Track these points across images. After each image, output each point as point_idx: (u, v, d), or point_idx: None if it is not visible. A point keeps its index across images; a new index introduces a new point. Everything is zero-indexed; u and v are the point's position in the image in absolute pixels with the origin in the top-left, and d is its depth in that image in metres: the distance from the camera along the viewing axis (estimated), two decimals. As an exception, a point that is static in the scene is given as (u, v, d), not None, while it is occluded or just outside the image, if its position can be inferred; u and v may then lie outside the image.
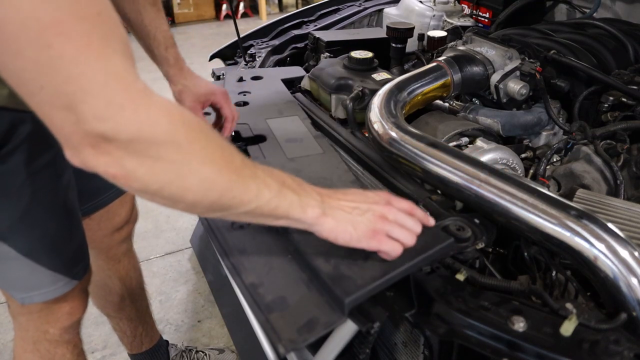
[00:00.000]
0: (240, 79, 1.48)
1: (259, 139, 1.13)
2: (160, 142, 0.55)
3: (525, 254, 0.87)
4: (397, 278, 0.71)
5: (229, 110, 1.14)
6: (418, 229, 0.76)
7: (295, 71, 1.58)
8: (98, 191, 1.21)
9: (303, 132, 1.16)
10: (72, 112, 0.51)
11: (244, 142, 1.15)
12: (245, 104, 1.31)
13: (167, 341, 1.66)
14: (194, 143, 0.59)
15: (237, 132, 1.17)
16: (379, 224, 0.73)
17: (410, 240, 0.74)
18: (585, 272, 0.73)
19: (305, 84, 1.46)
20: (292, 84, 1.52)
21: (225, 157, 0.63)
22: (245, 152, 1.08)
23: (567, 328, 0.64)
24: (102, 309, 1.48)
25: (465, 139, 1.14)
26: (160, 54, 1.09)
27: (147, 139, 0.55)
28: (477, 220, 0.85)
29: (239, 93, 1.38)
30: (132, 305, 1.48)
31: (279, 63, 1.77)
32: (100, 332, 1.84)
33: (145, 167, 0.56)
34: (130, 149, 0.54)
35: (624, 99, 1.19)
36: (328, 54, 1.63)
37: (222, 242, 0.80)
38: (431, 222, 0.79)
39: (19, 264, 0.95)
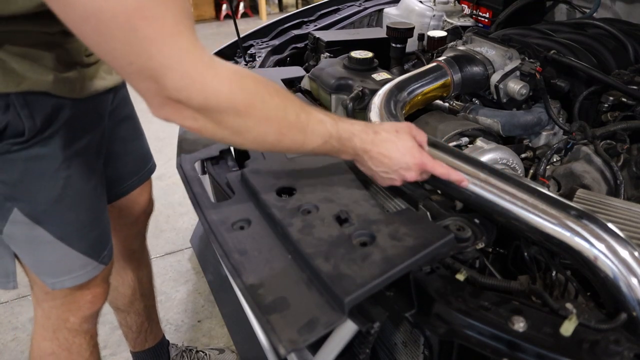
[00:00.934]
0: None
1: None
2: (222, 110, 0.68)
3: (525, 254, 0.87)
4: (397, 276, 0.71)
5: None
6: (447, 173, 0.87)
7: (295, 71, 1.58)
8: (121, 179, 1.25)
9: None
10: (156, 82, 0.63)
11: None
12: None
13: (168, 341, 1.67)
14: (251, 108, 0.70)
15: None
16: (417, 152, 0.86)
17: (445, 170, 0.86)
18: (585, 272, 0.73)
19: (305, 84, 1.46)
20: (292, 84, 1.52)
21: (279, 116, 0.74)
22: (245, 153, 1.07)
23: (567, 328, 0.64)
24: (112, 302, 1.49)
25: (465, 139, 1.14)
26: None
27: (213, 107, 0.67)
28: (477, 220, 0.85)
29: None
30: (141, 299, 1.49)
31: (279, 63, 1.77)
32: (100, 332, 1.84)
33: (212, 124, 0.70)
34: (200, 112, 0.68)
35: (624, 99, 1.19)
36: (328, 54, 1.63)
37: (222, 243, 0.80)
38: (465, 183, 0.87)
39: (52, 247, 0.98)
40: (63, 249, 0.99)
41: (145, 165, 1.32)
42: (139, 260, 1.46)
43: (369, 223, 0.80)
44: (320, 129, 0.78)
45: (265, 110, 0.72)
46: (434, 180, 0.89)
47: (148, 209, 1.41)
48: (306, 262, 0.74)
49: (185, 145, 1.16)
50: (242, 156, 1.08)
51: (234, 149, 1.21)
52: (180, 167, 1.07)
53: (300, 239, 0.77)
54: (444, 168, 0.84)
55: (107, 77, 1.01)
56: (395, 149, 0.83)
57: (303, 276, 0.73)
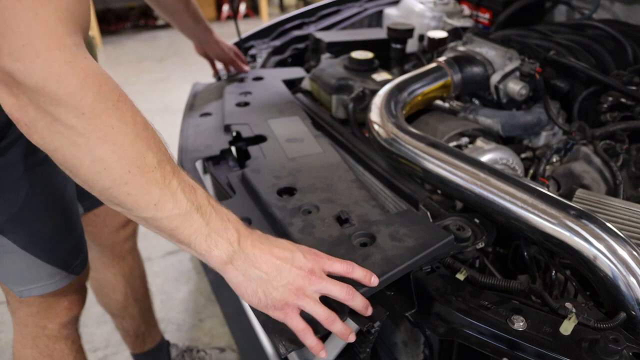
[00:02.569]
0: (241, 80, 1.49)
1: (259, 139, 1.14)
2: (62, 102, 0.53)
3: (525, 253, 0.87)
4: (396, 277, 0.72)
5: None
6: (350, 299, 0.67)
7: (296, 72, 1.59)
8: None
9: (303, 132, 1.16)
10: None
11: (245, 142, 1.15)
12: (246, 104, 1.32)
13: (168, 341, 1.67)
14: (99, 117, 0.55)
15: (237, 133, 1.18)
16: (292, 297, 0.65)
17: (324, 320, 0.67)
18: (584, 271, 0.73)
19: (306, 84, 1.47)
20: (292, 84, 1.53)
21: (135, 148, 0.57)
22: (246, 153, 1.08)
23: (567, 327, 0.65)
24: (106, 307, 1.49)
25: (465, 139, 1.14)
26: (200, 15, 1.46)
27: (50, 94, 0.52)
28: (477, 220, 0.85)
29: (240, 94, 1.39)
30: (135, 303, 1.48)
31: (280, 64, 1.77)
32: (102, 331, 1.85)
33: (44, 122, 0.54)
34: (34, 98, 0.53)
35: (623, 100, 1.19)
36: (329, 55, 1.63)
37: None
38: (373, 282, 0.68)
39: (17, 257, 0.96)
40: (28, 259, 0.96)
41: None
42: (130, 265, 1.45)
43: (370, 224, 0.80)
44: (187, 193, 0.62)
45: (120, 131, 0.56)
46: (434, 181, 0.90)
47: (130, 223, 1.38)
48: None
49: (186, 146, 1.16)
50: (244, 156, 1.09)
51: (236, 149, 1.21)
52: (181, 166, 1.07)
53: (301, 239, 0.77)
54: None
55: None
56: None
57: None
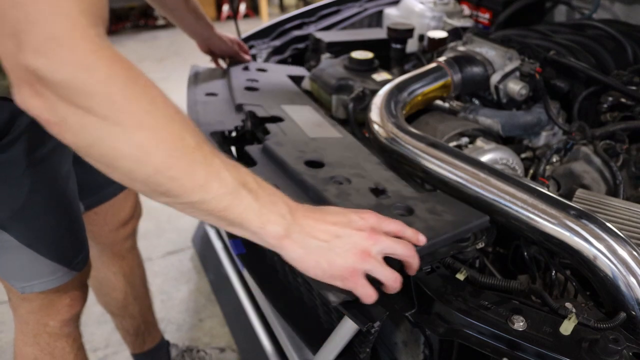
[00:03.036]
0: (246, 68, 1.47)
1: (276, 119, 1.10)
2: (92, 93, 0.51)
3: (525, 253, 0.87)
4: (441, 244, 0.72)
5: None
6: (413, 256, 0.67)
7: (299, 70, 1.58)
8: (102, 184, 1.23)
9: (319, 119, 1.13)
10: (15, 40, 0.49)
11: (261, 121, 1.10)
12: (255, 89, 1.29)
13: (168, 341, 1.67)
14: (132, 103, 0.53)
15: (251, 112, 1.12)
16: (358, 262, 0.62)
17: (392, 282, 0.65)
18: (584, 271, 0.73)
19: (306, 84, 1.47)
20: (295, 81, 1.52)
21: (173, 131, 0.56)
22: (265, 129, 1.02)
23: (567, 327, 0.65)
24: (106, 307, 1.49)
25: (465, 139, 1.14)
26: (201, 11, 1.48)
27: (80, 86, 0.50)
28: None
29: (247, 80, 1.36)
30: (135, 303, 1.48)
31: (280, 63, 1.77)
32: (102, 330, 1.85)
33: (76, 117, 0.52)
34: (62, 93, 0.51)
35: (623, 100, 1.19)
36: (329, 55, 1.63)
37: None
38: (421, 240, 0.69)
39: (19, 253, 0.96)
40: (30, 255, 0.96)
41: None
42: (130, 264, 1.45)
43: (405, 198, 0.79)
44: (231, 171, 0.60)
45: (154, 115, 0.55)
46: (434, 181, 0.90)
47: (136, 212, 1.39)
48: None
49: (197, 119, 1.11)
50: (245, 158, 1.07)
51: (236, 149, 1.18)
52: None
53: (338, 204, 0.74)
54: None
55: None
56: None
57: None
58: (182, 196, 0.58)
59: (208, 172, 0.58)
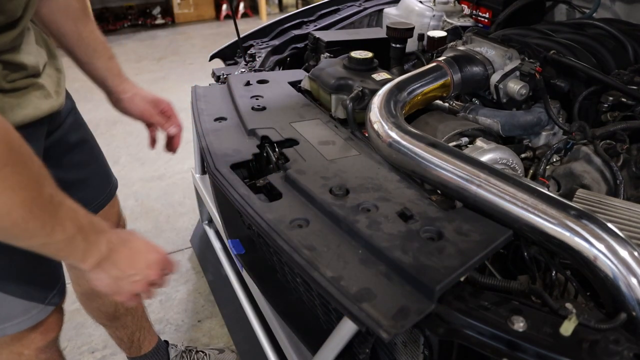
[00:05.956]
0: (247, 83, 1.47)
1: (291, 142, 1.12)
2: None
3: (525, 254, 0.87)
4: (473, 267, 0.73)
5: (177, 119, 1.14)
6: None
7: (298, 74, 1.57)
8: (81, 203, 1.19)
9: (332, 135, 1.15)
10: None
11: (277, 145, 1.12)
12: (263, 108, 1.30)
13: (166, 342, 1.66)
14: (3, 167, 0.59)
15: (266, 137, 1.15)
16: (139, 288, 0.82)
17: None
18: (585, 272, 0.73)
19: (305, 84, 1.46)
20: (294, 86, 1.52)
21: (35, 189, 0.63)
22: (283, 155, 1.06)
23: (567, 328, 0.64)
24: (97, 319, 1.45)
25: (465, 139, 1.14)
26: (104, 64, 1.08)
27: None
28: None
29: (252, 97, 1.37)
30: (126, 312, 1.45)
31: (279, 63, 1.77)
32: (100, 332, 1.84)
33: None
34: None
35: (623, 99, 1.19)
36: (328, 54, 1.63)
37: (287, 240, 0.81)
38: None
39: None
40: None
41: (105, 188, 1.23)
42: None
43: (432, 220, 0.82)
44: (73, 220, 0.70)
45: (20, 175, 0.61)
46: (434, 181, 0.90)
47: (118, 227, 1.33)
48: (382, 255, 0.75)
49: (214, 150, 1.11)
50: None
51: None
52: (216, 170, 1.04)
53: (371, 235, 0.78)
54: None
55: (40, 104, 0.88)
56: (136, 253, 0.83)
57: (380, 269, 0.74)
58: (25, 240, 0.66)
59: (55, 223, 0.66)
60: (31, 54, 0.88)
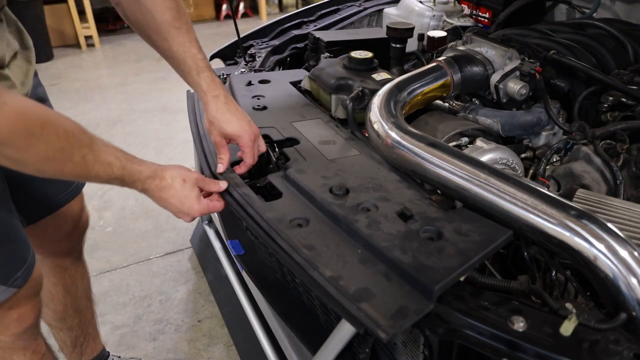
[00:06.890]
0: (249, 83, 1.47)
1: (292, 141, 1.12)
2: (3, 143, 0.69)
3: (525, 254, 0.87)
4: (472, 267, 0.73)
5: (251, 155, 1.02)
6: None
7: (300, 74, 1.57)
8: (43, 198, 1.19)
9: (333, 135, 1.15)
10: None
11: (277, 145, 1.12)
12: (264, 108, 1.30)
13: (108, 352, 1.63)
14: (31, 147, 0.72)
15: (266, 136, 1.15)
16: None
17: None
18: (584, 272, 0.73)
19: (305, 84, 1.46)
20: (295, 85, 1.52)
21: (63, 157, 0.76)
22: (283, 155, 1.06)
23: (567, 328, 0.64)
24: (44, 317, 1.41)
25: (465, 139, 1.14)
26: (193, 79, 1.04)
27: None
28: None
29: (253, 97, 1.37)
30: (75, 315, 1.44)
31: (279, 63, 1.77)
32: (101, 331, 1.84)
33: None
34: None
35: (623, 99, 1.19)
36: (328, 54, 1.63)
37: (287, 239, 0.81)
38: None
39: None
40: None
41: (71, 183, 1.25)
42: (73, 276, 1.41)
43: (432, 220, 0.82)
44: (104, 171, 0.81)
45: (48, 152, 0.74)
46: (434, 181, 0.90)
47: (81, 225, 1.35)
48: (382, 255, 0.75)
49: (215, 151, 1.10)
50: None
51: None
52: (213, 176, 1.04)
53: (371, 234, 0.78)
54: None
55: None
56: (175, 197, 0.90)
57: (380, 268, 0.74)
58: (75, 179, 0.81)
59: (88, 173, 0.80)
60: None
